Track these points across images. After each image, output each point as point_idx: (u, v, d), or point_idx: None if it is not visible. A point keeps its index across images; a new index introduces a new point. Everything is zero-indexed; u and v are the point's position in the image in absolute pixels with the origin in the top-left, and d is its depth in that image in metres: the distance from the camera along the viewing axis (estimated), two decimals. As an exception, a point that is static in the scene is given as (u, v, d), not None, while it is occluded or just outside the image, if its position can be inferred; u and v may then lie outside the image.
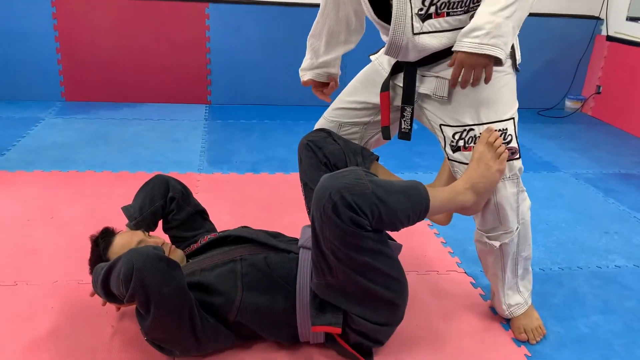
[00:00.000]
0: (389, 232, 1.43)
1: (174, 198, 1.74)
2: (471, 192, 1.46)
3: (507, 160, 1.48)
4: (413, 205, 1.36)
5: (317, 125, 1.74)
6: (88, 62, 3.80)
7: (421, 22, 1.39)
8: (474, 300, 1.83)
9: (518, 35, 1.47)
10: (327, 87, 1.83)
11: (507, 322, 1.72)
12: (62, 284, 1.78)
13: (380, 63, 1.64)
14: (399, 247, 1.53)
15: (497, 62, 1.38)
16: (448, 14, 1.38)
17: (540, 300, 1.84)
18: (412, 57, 1.46)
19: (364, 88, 1.65)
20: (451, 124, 1.50)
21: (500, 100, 1.48)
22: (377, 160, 1.68)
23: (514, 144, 1.49)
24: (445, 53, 1.44)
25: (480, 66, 1.37)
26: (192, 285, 1.42)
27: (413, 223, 1.39)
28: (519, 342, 1.64)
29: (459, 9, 1.38)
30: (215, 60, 3.93)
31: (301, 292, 1.44)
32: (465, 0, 1.37)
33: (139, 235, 1.58)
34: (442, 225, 1.82)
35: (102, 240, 1.57)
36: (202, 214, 1.83)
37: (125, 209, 1.71)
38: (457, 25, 1.40)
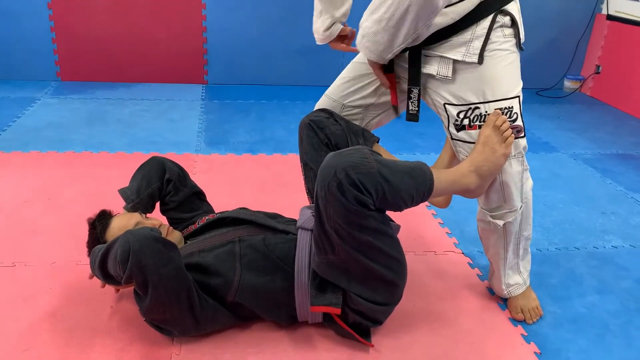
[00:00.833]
0: (388, 213, 1.43)
1: (170, 180, 1.73)
2: (475, 175, 1.46)
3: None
4: (417, 186, 1.36)
5: (319, 105, 1.72)
6: (83, 41, 3.75)
7: None
8: (471, 281, 1.84)
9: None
10: (347, 38, 1.77)
11: (504, 303, 1.73)
12: (61, 265, 1.78)
13: None
14: (398, 227, 1.53)
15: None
16: None
17: (538, 281, 1.85)
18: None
19: (367, 69, 1.64)
20: (455, 103, 1.49)
21: (505, 78, 1.46)
22: (378, 141, 1.67)
23: (519, 122, 1.48)
24: (448, 32, 1.42)
25: (374, 66, 1.50)
26: (191, 266, 1.42)
27: (416, 204, 1.39)
28: (515, 322, 1.66)
29: None
30: (211, 39, 3.89)
31: (299, 273, 1.45)
32: None
33: (136, 217, 1.58)
34: (441, 208, 1.82)
35: (100, 222, 1.57)
36: (199, 195, 1.82)
37: (122, 192, 1.70)
38: None
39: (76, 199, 2.20)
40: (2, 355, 1.40)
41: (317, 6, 1.68)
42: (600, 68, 4.20)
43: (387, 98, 1.64)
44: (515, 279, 1.68)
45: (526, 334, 1.61)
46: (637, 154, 3.13)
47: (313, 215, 1.45)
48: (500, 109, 1.46)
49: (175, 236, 1.59)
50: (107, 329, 1.52)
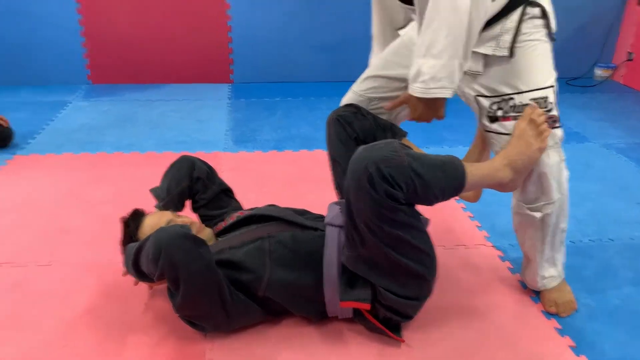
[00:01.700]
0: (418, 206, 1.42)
1: (199, 178, 1.76)
2: (509, 168, 1.43)
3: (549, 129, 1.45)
4: (449, 181, 1.35)
5: (345, 100, 1.72)
6: (112, 45, 3.82)
7: None
8: (502, 274, 1.82)
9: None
10: None
11: (536, 296, 1.70)
12: (95, 264, 1.83)
13: (410, 38, 1.61)
14: (427, 221, 1.53)
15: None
16: None
17: (571, 273, 1.81)
18: None
19: (394, 62, 1.63)
20: (488, 95, 1.48)
21: (539, 68, 1.45)
22: (406, 136, 1.67)
23: (554, 112, 1.46)
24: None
25: (434, 107, 1.38)
26: (222, 262, 1.44)
27: (448, 198, 1.38)
28: (549, 315, 1.63)
29: None
30: (237, 38, 3.92)
31: (329, 269, 1.45)
32: None
33: (167, 215, 1.60)
34: (471, 202, 1.80)
35: (133, 221, 1.60)
36: (227, 192, 1.85)
37: (154, 191, 1.74)
38: None
39: (109, 199, 2.25)
40: (42, 351, 1.45)
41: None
42: (633, 55, 4.08)
43: None
44: (551, 272, 1.65)
45: (560, 327, 1.58)
46: (674, 142, 3.04)
47: (341, 211, 1.45)
48: (535, 99, 1.44)
49: (206, 233, 1.61)
50: (141, 325, 1.55)
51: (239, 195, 1.90)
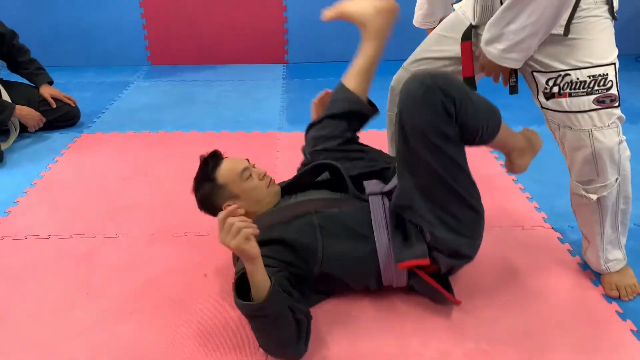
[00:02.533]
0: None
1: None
2: (525, 140, 1.59)
3: (606, 108, 1.41)
4: (491, 116, 1.42)
5: (396, 78, 1.73)
6: (171, 26, 3.93)
7: None
8: (561, 256, 1.78)
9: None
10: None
11: (597, 279, 1.66)
12: (158, 237, 1.91)
13: (464, 12, 1.58)
14: None
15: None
16: None
17: (635, 258, 1.75)
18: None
19: (447, 38, 1.61)
20: (544, 70, 1.45)
21: (598, 44, 1.41)
22: None
23: (613, 90, 1.42)
24: None
25: (505, 71, 1.49)
26: (275, 241, 1.46)
27: (487, 135, 1.42)
28: (610, 299, 1.59)
29: None
30: (291, 18, 3.93)
31: (379, 235, 1.47)
32: None
33: (244, 162, 1.62)
34: (516, 173, 1.74)
35: (212, 160, 1.62)
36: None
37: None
38: None
39: (170, 176, 2.34)
40: (112, 316, 1.53)
41: None
42: None
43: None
44: (615, 255, 1.61)
45: (622, 312, 1.54)
46: None
47: (378, 184, 1.58)
48: (594, 75, 1.40)
49: (274, 189, 1.63)
50: (202, 296, 1.61)
51: (293, 174, 1.92)
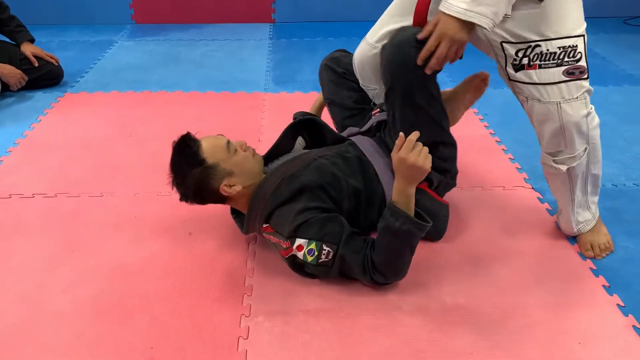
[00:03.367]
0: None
1: None
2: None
3: (576, 80, 1.41)
4: None
5: (358, 51, 1.77)
6: (155, -16, 3.84)
7: None
8: (540, 216, 1.82)
9: None
10: None
11: (573, 238, 1.70)
12: (143, 196, 1.92)
13: None
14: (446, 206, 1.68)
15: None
16: None
17: (612, 216, 1.80)
18: None
19: (408, 8, 1.57)
20: (514, 41, 1.41)
21: (569, 16, 1.39)
22: None
23: (582, 62, 1.41)
24: None
25: (463, 34, 1.32)
26: (306, 187, 1.49)
27: None
28: (584, 256, 1.64)
29: None
30: (278, -24, 3.86)
31: (375, 162, 1.61)
32: None
33: (222, 137, 1.57)
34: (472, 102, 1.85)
35: (192, 143, 1.52)
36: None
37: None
38: None
39: (155, 136, 2.33)
40: (97, 272, 1.56)
41: None
42: (700, -9, 3.81)
43: None
44: (585, 216, 1.64)
45: (595, 268, 1.59)
46: None
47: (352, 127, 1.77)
48: (564, 47, 1.39)
49: (257, 158, 1.61)
50: (186, 252, 1.64)
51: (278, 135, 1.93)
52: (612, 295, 1.48)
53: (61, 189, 1.96)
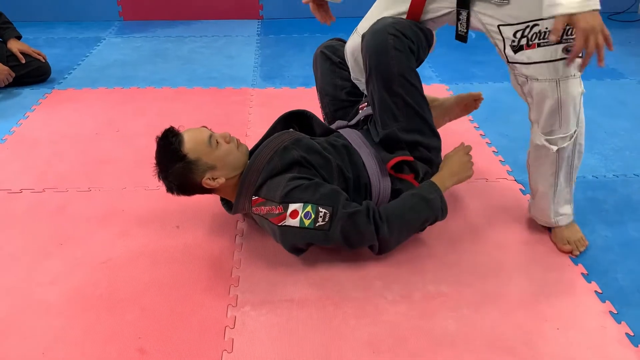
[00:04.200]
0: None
1: None
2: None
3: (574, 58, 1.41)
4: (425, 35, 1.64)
5: (350, 43, 1.80)
6: (142, -20, 3.84)
7: None
8: (522, 206, 1.85)
9: None
10: (325, 8, 1.89)
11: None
12: (130, 190, 1.94)
13: None
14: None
15: None
16: None
17: (591, 206, 1.84)
18: None
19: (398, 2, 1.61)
20: (511, 22, 1.44)
21: None
22: None
23: None
24: None
25: (602, 26, 1.27)
26: (296, 162, 1.52)
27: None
28: (564, 245, 1.68)
29: None
30: (266, -27, 3.88)
31: (362, 151, 1.65)
32: None
33: (205, 130, 1.56)
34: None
35: (174, 137, 1.51)
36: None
37: None
38: None
39: (142, 131, 2.34)
40: (85, 264, 1.58)
41: None
42: (681, -13, 3.88)
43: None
44: (566, 209, 1.65)
45: (574, 256, 1.62)
46: None
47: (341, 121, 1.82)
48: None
49: (243, 149, 1.61)
50: (173, 245, 1.66)
51: (265, 130, 1.94)
52: (591, 283, 1.52)
53: (49, 184, 1.97)
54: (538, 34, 1.43)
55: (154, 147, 1.56)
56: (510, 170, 2.07)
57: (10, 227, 1.74)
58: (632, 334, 1.35)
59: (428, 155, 1.67)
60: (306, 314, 1.41)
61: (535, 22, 1.42)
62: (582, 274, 1.56)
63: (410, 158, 1.63)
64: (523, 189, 1.96)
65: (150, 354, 1.30)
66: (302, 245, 1.51)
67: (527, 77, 1.49)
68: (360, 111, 1.84)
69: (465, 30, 1.56)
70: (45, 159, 2.14)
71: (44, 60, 2.87)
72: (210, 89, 2.78)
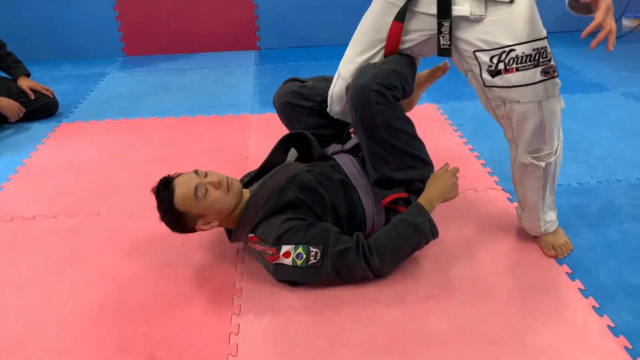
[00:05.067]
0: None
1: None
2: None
3: (551, 78, 1.50)
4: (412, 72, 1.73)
5: (337, 89, 1.79)
6: (143, 18, 4.02)
7: None
8: (510, 213, 1.94)
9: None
10: None
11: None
12: (138, 213, 2.04)
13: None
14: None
15: None
16: None
17: (575, 211, 1.94)
18: None
19: (375, 36, 1.67)
20: (487, 48, 1.48)
21: (536, 18, 1.46)
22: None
23: (552, 62, 1.49)
24: None
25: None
26: (291, 203, 1.60)
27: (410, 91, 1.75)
28: (549, 247, 1.76)
29: None
30: (261, 6, 4.05)
31: (357, 183, 1.71)
32: None
33: (193, 179, 1.59)
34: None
35: (164, 193, 1.59)
36: None
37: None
38: None
39: (148, 159, 2.46)
40: (97, 281, 1.68)
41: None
42: (661, 4, 4.03)
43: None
44: (551, 216, 1.73)
45: (560, 258, 1.71)
46: (695, 89, 3.05)
47: (336, 145, 1.87)
48: (538, 48, 1.46)
49: (235, 186, 1.67)
50: (179, 261, 1.75)
51: (266, 152, 2.02)
52: (575, 281, 1.61)
53: (60, 210, 2.08)
54: (515, 59, 1.46)
55: (159, 172, 1.68)
56: (497, 180, 2.17)
57: (26, 249, 1.84)
58: (614, 326, 1.44)
59: (421, 187, 1.72)
60: (306, 319, 1.50)
61: (511, 48, 1.46)
62: (567, 273, 1.64)
63: (405, 194, 1.71)
64: (510, 197, 2.05)
65: (160, 358, 1.39)
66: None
67: (504, 101, 1.53)
68: (352, 135, 1.94)
69: (448, 43, 1.55)
70: (55, 187, 2.26)
71: (52, 96, 3.01)
72: (212, 117, 2.92)
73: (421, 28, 1.60)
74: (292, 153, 1.90)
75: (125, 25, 4.04)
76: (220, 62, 3.94)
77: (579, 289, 1.58)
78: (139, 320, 1.52)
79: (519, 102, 1.51)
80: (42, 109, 2.97)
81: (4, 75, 2.99)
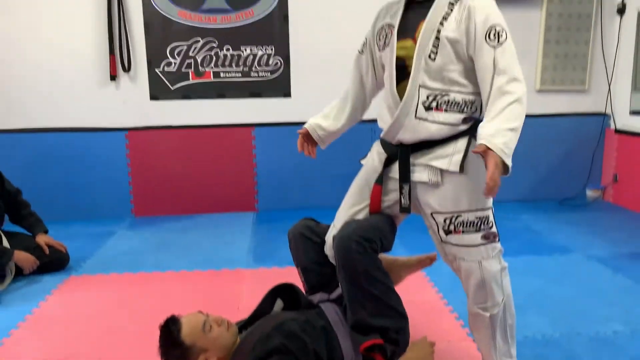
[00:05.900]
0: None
1: None
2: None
3: (490, 243, 1.76)
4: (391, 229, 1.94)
5: (330, 235, 2.00)
6: (154, 181, 4.46)
7: (424, 111, 1.70)
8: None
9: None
10: (313, 144, 2.21)
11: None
12: (141, 358, 2.19)
13: (373, 160, 1.92)
14: None
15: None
16: (446, 111, 1.69)
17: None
18: (409, 137, 1.75)
19: (362, 194, 1.93)
20: (441, 211, 1.74)
21: (481, 192, 1.64)
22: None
23: (494, 229, 1.76)
24: (432, 144, 1.73)
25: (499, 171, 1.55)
26: (276, 350, 1.72)
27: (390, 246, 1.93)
28: (514, 395, 1.89)
29: (455, 109, 1.70)
30: (261, 173, 4.52)
31: (338, 331, 1.86)
32: (461, 104, 1.70)
33: (200, 316, 1.79)
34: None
35: (173, 326, 1.75)
36: None
37: None
38: (452, 122, 1.70)
39: (149, 309, 2.65)
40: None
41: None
42: (618, 176, 4.50)
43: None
44: None
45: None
46: (652, 252, 3.34)
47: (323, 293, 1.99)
48: (480, 217, 1.73)
49: (233, 329, 1.86)
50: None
51: (257, 304, 2.19)
52: None
53: (67, 355, 2.23)
54: (462, 223, 1.73)
55: (158, 322, 1.83)
56: (470, 332, 2.35)
57: (28, 392, 1.97)
58: None
59: (395, 337, 1.84)
60: None
61: (458, 214, 1.73)
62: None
63: (381, 341, 1.81)
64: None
65: None
66: None
67: (455, 256, 1.79)
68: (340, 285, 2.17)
69: (408, 203, 1.80)
70: (61, 334, 2.43)
71: (64, 251, 3.29)
72: (208, 271, 3.16)
73: (393, 189, 1.86)
74: (279, 303, 2.11)
75: (136, 189, 4.47)
76: (221, 221, 4.28)
77: None
78: None
79: (464, 259, 1.77)
80: (54, 262, 3.22)
81: (22, 231, 3.30)
